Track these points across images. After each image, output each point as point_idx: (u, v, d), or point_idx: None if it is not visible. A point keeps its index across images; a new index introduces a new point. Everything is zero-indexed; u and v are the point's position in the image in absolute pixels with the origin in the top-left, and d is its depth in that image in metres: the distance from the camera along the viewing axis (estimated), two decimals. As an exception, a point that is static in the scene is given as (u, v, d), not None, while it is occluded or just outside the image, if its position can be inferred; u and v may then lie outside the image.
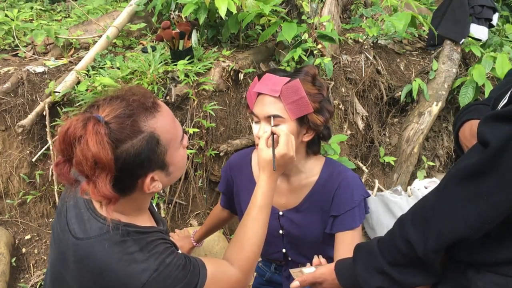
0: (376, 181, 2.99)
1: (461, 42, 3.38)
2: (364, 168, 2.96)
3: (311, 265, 1.46)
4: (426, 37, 3.75)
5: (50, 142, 2.37)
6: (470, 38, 3.42)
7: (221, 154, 2.43)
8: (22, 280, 2.31)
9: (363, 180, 2.86)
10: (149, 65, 2.38)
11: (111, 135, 0.88)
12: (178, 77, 2.36)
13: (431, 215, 0.91)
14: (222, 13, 2.31)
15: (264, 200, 1.19)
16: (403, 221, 0.97)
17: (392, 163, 3.12)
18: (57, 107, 2.40)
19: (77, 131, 0.86)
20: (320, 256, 1.25)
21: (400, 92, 3.25)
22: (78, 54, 2.82)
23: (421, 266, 0.95)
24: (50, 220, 2.50)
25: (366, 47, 3.22)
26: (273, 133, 1.24)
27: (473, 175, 0.86)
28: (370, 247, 1.04)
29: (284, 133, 1.22)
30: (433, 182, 3.06)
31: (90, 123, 0.86)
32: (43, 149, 2.41)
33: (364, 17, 3.64)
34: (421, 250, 0.92)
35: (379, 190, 2.94)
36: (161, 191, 2.35)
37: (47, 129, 2.36)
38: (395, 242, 0.97)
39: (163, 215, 2.40)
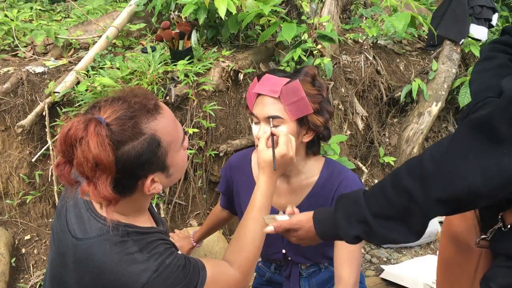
0: (376, 181, 2.98)
1: (460, 43, 3.38)
2: (363, 168, 2.96)
3: (310, 263, 1.46)
4: (426, 37, 3.76)
5: (49, 142, 2.37)
6: (469, 39, 3.42)
7: (221, 154, 2.43)
8: (21, 281, 2.31)
9: (363, 180, 2.86)
10: (149, 65, 2.38)
11: (112, 137, 0.88)
12: (177, 77, 2.36)
13: (434, 167, 0.84)
14: (222, 13, 2.31)
15: (263, 201, 1.19)
16: (397, 173, 0.92)
17: (392, 163, 3.12)
18: (57, 107, 2.40)
19: (78, 133, 0.86)
20: (294, 206, 1.21)
21: (399, 92, 3.25)
22: (77, 54, 2.82)
23: (405, 222, 0.90)
24: (50, 220, 2.50)
25: (365, 47, 3.22)
26: (272, 134, 1.24)
27: (487, 125, 0.79)
28: (355, 196, 0.99)
29: (283, 133, 1.22)
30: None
31: (92, 125, 0.86)
32: (43, 149, 2.41)
33: (364, 18, 3.64)
34: (421, 198, 0.85)
35: (379, 190, 2.94)
36: (161, 192, 2.35)
37: (47, 130, 2.36)
38: (386, 192, 0.92)
39: (162, 215, 2.40)
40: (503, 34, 1.18)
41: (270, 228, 1.11)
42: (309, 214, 1.09)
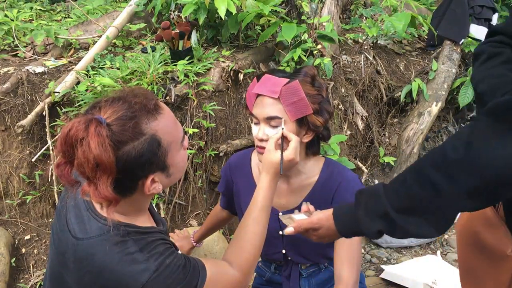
0: (376, 181, 2.99)
1: (460, 43, 3.39)
2: (363, 168, 2.96)
3: (310, 263, 1.45)
4: (426, 37, 3.76)
5: (49, 142, 2.37)
6: (469, 39, 3.42)
7: (221, 154, 2.43)
8: (21, 281, 2.31)
9: (362, 181, 2.86)
10: (149, 65, 2.38)
11: (112, 137, 0.88)
12: (177, 77, 2.36)
13: (458, 157, 0.82)
14: (222, 13, 2.31)
15: (265, 201, 1.19)
16: (419, 166, 0.90)
17: (392, 163, 3.12)
18: (57, 107, 2.40)
19: (79, 133, 0.86)
20: (308, 203, 1.21)
21: (399, 92, 3.25)
22: (77, 54, 2.82)
23: (429, 215, 0.89)
24: (50, 220, 2.50)
25: (365, 47, 3.22)
26: (283, 136, 1.24)
27: (508, 110, 0.78)
28: (375, 191, 0.98)
29: (296, 138, 1.22)
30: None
31: (92, 125, 0.86)
32: (43, 149, 2.40)
33: (364, 17, 3.64)
34: (447, 190, 0.83)
35: (379, 190, 2.94)
36: (161, 192, 2.36)
37: (47, 129, 2.36)
38: (408, 186, 0.90)
39: (162, 215, 2.40)
40: (493, 35, 1.16)
41: (290, 230, 1.11)
42: (328, 212, 1.09)
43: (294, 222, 1.12)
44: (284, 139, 1.24)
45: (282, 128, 1.25)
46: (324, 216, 1.09)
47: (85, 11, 3.53)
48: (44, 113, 2.36)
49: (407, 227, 0.91)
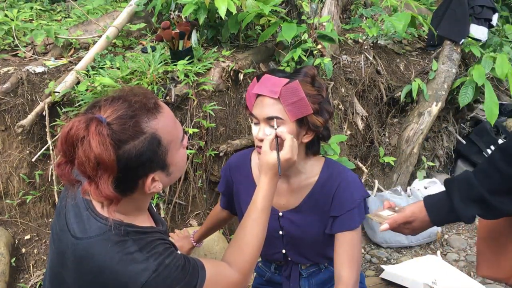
0: (376, 181, 2.99)
1: (460, 43, 3.38)
2: (364, 168, 2.96)
3: (310, 263, 1.45)
4: (426, 37, 3.76)
5: (49, 142, 2.37)
6: (469, 39, 3.42)
7: (221, 154, 2.44)
8: (21, 280, 2.31)
9: (362, 180, 2.86)
10: (149, 65, 2.38)
11: (113, 136, 0.88)
12: (178, 77, 2.36)
13: None
14: (222, 13, 2.31)
15: (265, 202, 1.19)
16: (506, 148, 0.97)
17: (392, 163, 3.12)
18: (57, 107, 2.40)
19: (79, 132, 0.86)
20: (389, 200, 1.24)
21: (399, 92, 3.25)
22: (78, 54, 2.82)
23: None
24: (50, 220, 2.50)
25: (366, 47, 3.22)
26: (277, 136, 1.24)
27: None
28: (466, 178, 1.04)
29: (290, 137, 1.22)
30: (433, 183, 3.06)
31: (93, 124, 0.86)
32: (43, 149, 2.41)
33: (364, 17, 3.64)
34: None
35: (379, 190, 2.94)
36: (161, 191, 2.36)
37: (47, 129, 2.36)
38: (500, 168, 0.96)
39: (162, 215, 2.40)
40: None
41: (385, 226, 1.16)
42: (419, 204, 1.14)
43: (387, 219, 1.16)
44: (280, 139, 1.24)
45: (275, 128, 1.25)
46: (417, 209, 1.14)
47: (85, 11, 3.53)
48: (44, 113, 2.36)
49: (501, 207, 0.97)
